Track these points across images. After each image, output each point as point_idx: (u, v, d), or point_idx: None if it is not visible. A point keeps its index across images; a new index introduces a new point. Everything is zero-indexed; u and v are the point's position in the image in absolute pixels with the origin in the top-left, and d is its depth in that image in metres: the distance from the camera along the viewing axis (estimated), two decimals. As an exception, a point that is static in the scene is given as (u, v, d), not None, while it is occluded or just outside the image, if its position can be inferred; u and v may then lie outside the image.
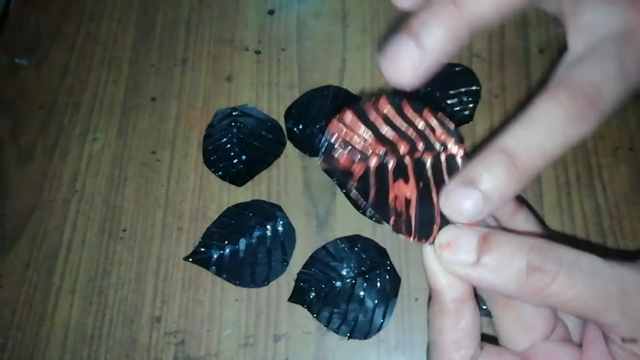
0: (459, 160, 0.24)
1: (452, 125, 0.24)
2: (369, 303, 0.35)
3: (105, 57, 0.45)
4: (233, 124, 0.42)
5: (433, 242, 0.22)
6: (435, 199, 0.23)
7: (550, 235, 0.36)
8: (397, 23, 0.44)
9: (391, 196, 0.23)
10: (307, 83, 0.43)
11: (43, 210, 0.40)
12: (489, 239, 0.20)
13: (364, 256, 0.36)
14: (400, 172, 0.23)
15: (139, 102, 0.43)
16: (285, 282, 0.37)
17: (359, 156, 0.23)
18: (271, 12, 0.46)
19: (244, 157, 0.40)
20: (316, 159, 0.40)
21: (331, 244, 0.37)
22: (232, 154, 0.41)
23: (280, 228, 0.38)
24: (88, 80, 0.45)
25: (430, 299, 0.23)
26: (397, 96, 0.24)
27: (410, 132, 0.24)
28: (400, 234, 0.22)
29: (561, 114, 0.20)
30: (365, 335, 0.35)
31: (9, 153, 0.42)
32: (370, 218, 0.22)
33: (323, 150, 0.22)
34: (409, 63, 0.20)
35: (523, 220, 0.28)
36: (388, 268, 0.36)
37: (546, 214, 0.37)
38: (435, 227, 0.22)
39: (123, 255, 0.38)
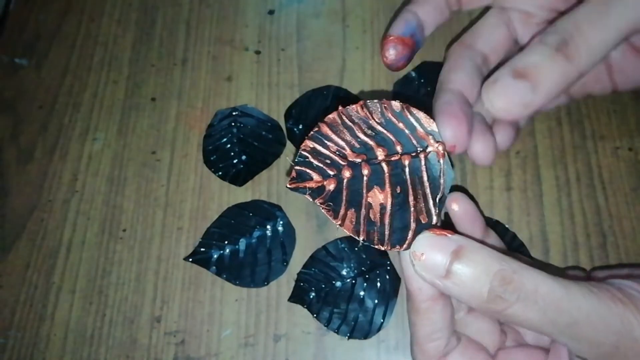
0: (438, 158, 0.24)
1: (431, 123, 0.25)
2: (369, 303, 0.35)
3: (105, 57, 0.45)
4: (233, 124, 0.42)
5: (408, 248, 0.23)
6: (412, 203, 0.23)
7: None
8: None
9: (364, 207, 0.23)
10: (307, 83, 0.43)
11: (43, 210, 0.40)
12: (460, 255, 0.21)
13: (364, 256, 0.36)
14: (376, 179, 0.23)
15: (139, 102, 0.43)
16: (285, 282, 0.37)
17: (331, 171, 0.23)
18: (271, 12, 0.46)
19: (244, 157, 0.40)
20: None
21: (331, 244, 0.37)
22: (232, 154, 0.41)
23: (280, 228, 0.38)
24: (88, 80, 0.45)
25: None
26: (375, 99, 0.24)
27: (389, 135, 0.24)
28: (372, 245, 0.23)
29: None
30: (365, 335, 0.35)
31: (9, 153, 0.42)
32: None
33: (296, 168, 0.22)
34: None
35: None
36: (388, 268, 0.36)
37: (546, 214, 0.37)
38: (410, 233, 0.23)
39: (123, 255, 0.38)
